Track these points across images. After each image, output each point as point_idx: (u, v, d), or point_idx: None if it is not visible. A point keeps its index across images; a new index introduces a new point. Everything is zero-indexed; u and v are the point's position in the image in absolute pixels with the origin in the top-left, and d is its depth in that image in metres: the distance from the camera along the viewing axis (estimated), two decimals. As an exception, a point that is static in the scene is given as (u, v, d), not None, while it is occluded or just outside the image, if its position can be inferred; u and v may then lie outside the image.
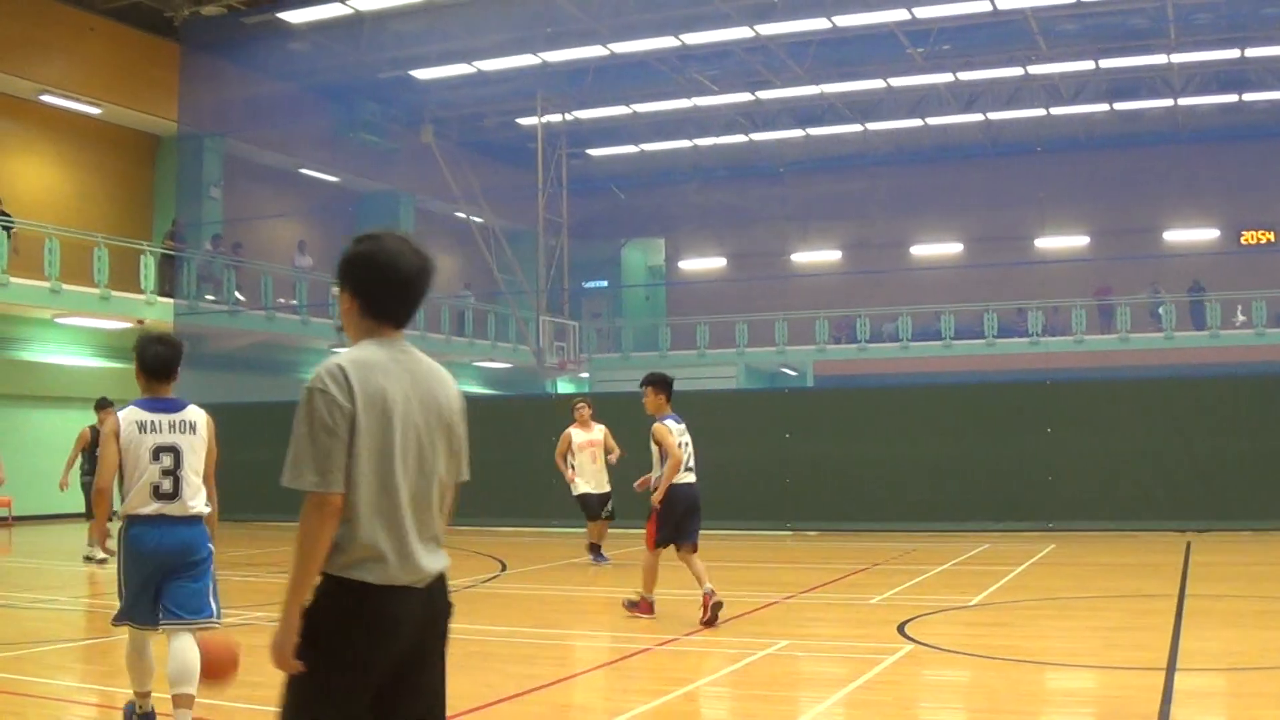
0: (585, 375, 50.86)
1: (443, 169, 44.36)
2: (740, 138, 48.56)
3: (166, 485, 8.34)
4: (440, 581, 4.69)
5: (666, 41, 37.91)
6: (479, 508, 24.96)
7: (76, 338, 36.94)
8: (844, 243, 53.64)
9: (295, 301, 42.11)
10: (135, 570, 8.32)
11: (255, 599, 16.08)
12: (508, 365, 51.41)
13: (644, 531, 14.44)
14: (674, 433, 14.30)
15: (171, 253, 37.97)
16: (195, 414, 8.75)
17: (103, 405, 20.69)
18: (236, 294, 40.24)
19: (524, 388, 47.63)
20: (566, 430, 20.60)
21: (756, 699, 9.74)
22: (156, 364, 8.70)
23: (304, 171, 46.39)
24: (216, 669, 6.91)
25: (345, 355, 4.75)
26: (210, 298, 39.24)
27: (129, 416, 8.47)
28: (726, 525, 26.42)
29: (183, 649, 8.11)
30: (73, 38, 36.93)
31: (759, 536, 25.70)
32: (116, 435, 8.39)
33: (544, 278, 45.77)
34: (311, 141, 44.50)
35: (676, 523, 14.05)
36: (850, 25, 36.05)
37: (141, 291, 35.95)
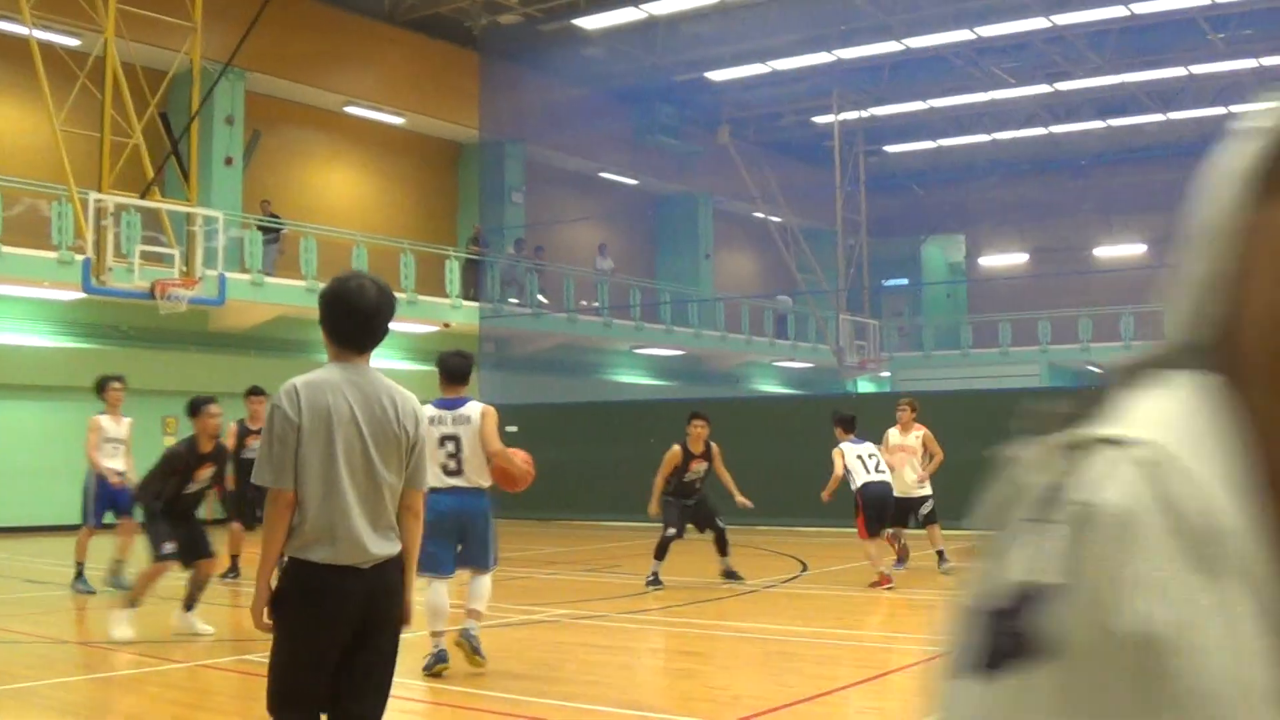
0: (886, 375, 50.47)
1: (740, 169, 44.42)
2: (1040, 130, 47.69)
3: (451, 465, 10.79)
4: (385, 564, 5.56)
5: (962, 35, 37.43)
6: (781, 508, 24.93)
7: (385, 341, 37.77)
8: (1149, 236, 52.18)
9: (597, 304, 42.59)
10: (432, 529, 9.21)
11: (560, 596, 16.30)
12: (808, 365, 51.32)
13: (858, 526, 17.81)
14: (846, 454, 17.79)
15: (475, 257, 38.69)
16: (472, 409, 10.99)
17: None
18: (539, 297, 40.82)
19: (824, 387, 47.48)
20: (886, 432, 19.72)
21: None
22: (453, 372, 11.16)
23: (603, 175, 46.92)
24: (511, 480, 11.02)
25: (304, 376, 5.69)
26: (513, 301, 39.88)
27: (424, 414, 9.59)
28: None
29: (479, 584, 10.97)
30: (375, 50, 37.93)
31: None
32: None
33: (843, 276, 45.56)
34: (610, 145, 44.95)
35: (875, 514, 17.46)
36: (1149, 12, 35.15)
37: (447, 296, 36.73)
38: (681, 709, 9.35)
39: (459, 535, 10.91)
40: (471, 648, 10.78)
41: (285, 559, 5.53)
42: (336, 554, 5.43)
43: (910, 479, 18.75)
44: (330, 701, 5.59)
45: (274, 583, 5.57)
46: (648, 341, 44.23)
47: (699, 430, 17.50)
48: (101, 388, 17.73)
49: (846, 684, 10.22)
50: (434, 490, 9.56)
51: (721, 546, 17.72)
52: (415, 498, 5.84)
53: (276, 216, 30.96)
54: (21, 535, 28.82)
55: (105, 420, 17.61)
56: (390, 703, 9.83)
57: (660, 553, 17.42)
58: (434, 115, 40.20)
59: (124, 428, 17.94)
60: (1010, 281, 54.41)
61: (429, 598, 10.50)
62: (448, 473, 10.78)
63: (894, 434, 19.31)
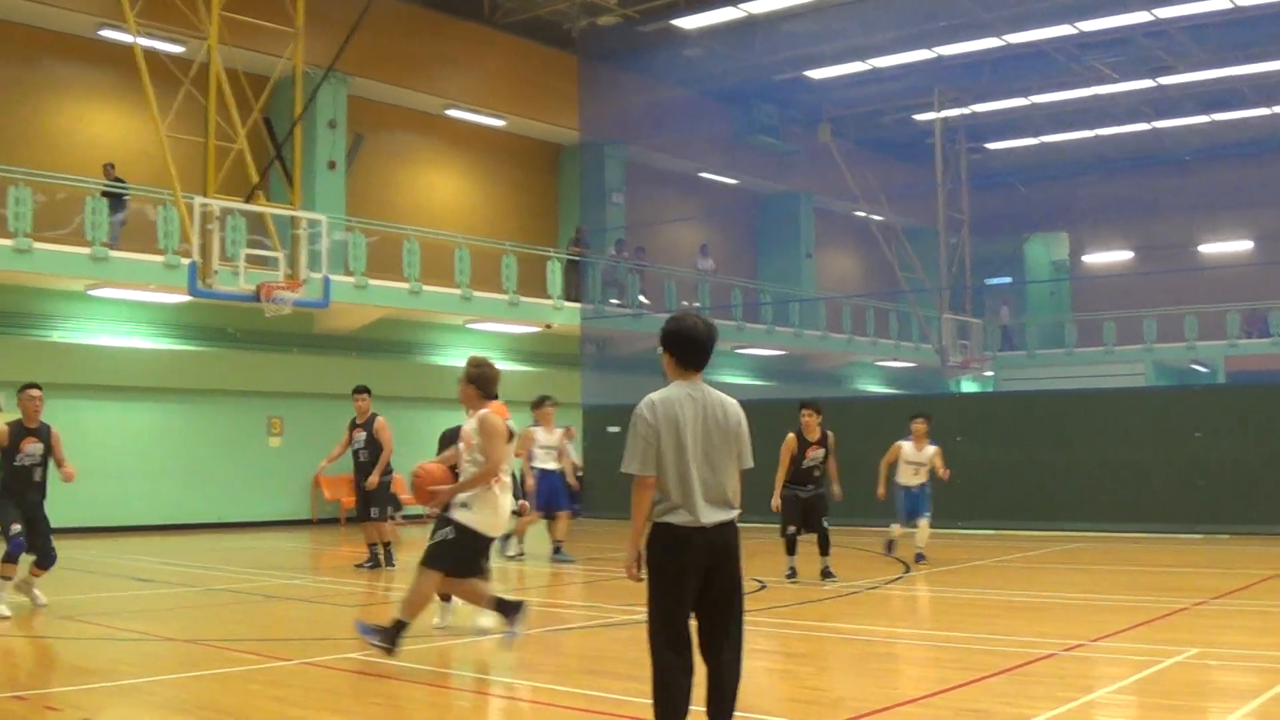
0: (989, 374, 50.17)
1: (841, 168, 44.32)
2: (1143, 126, 47.15)
3: None
4: (721, 526, 7.34)
5: (1063, 30, 37.10)
6: (886, 508, 24.81)
7: (486, 342, 38.05)
8: (1255, 232, 51.42)
9: (698, 304, 42.58)
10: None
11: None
12: (911, 365, 51.10)
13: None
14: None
15: (576, 258, 38.80)
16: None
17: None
18: (640, 297, 40.86)
19: (928, 387, 47.28)
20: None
21: (1163, 708, 9.42)
22: None
23: (703, 175, 46.96)
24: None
25: (657, 393, 7.44)
26: (615, 301, 39.96)
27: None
28: (1135, 528, 25.80)
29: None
30: (475, 54, 38.19)
31: (1168, 539, 24.95)
32: None
33: (945, 275, 45.33)
34: (710, 145, 44.98)
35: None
36: (1253, 4, 34.58)
37: (548, 297, 36.89)
38: (783, 711, 9.34)
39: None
40: None
41: (650, 525, 7.33)
42: (689, 519, 7.23)
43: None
44: (704, 652, 7.39)
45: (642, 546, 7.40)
46: (749, 342, 44.20)
47: (809, 419, 18.13)
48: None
49: (950, 685, 10.17)
50: None
51: (822, 545, 18.19)
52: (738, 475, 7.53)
53: (121, 181, 30.39)
54: (129, 534, 29.18)
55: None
56: (497, 701, 9.89)
57: (790, 548, 18.16)
58: (534, 117, 40.42)
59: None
60: (1114, 279, 53.87)
61: None
62: None
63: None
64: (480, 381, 11.71)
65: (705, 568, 7.29)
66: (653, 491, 7.30)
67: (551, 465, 21.90)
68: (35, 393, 15.62)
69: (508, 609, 11.56)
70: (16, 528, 15.00)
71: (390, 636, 11.27)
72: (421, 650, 12.22)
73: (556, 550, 21.84)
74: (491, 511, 11.47)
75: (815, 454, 18.15)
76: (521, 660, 11.98)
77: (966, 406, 31.44)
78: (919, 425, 20.29)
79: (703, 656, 7.40)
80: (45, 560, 15.49)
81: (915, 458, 20.20)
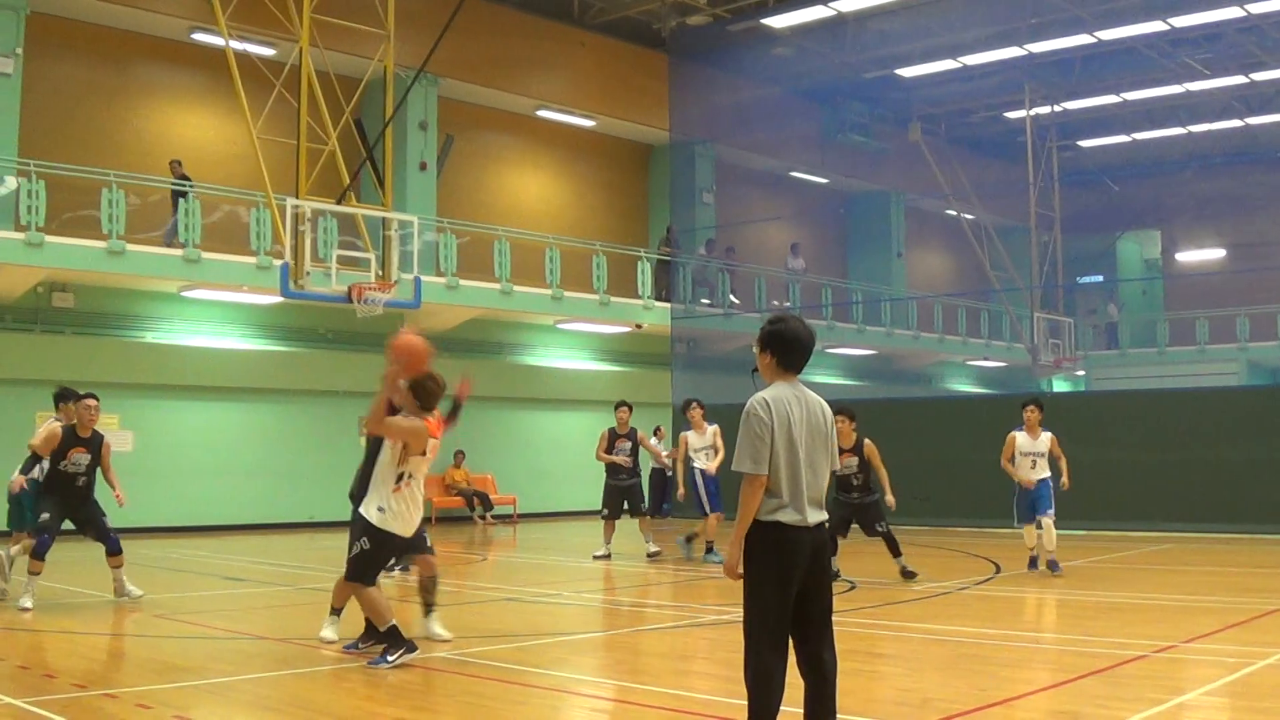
0: (1081, 373, 49.79)
1: (932, 166, 44.09)
2: (1236, 122, 46.64)
3: None
4: (820, 525, 7.36)
5: (1154, 26, 36.69)
6: (975, 509, 24.70)
7: (576, 342, 38.15)
8: (1351, 230, 50.80)
9: (789, 304, 42.48)
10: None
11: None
12: (1002, 364, 50.80)
13: None
14: None
15: (667, 258, 38.80)
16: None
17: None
18: (731, 297, 40.83)
19: (1019, 386, 46.92)
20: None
21: (1255, 711, 9.33)
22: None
23: (793, 174, 46.85)
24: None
25: (766, 392, 7.46)
26: (705, 301, 39.93)
27: None
28: (1227, 528, 25.54)
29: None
30: (566, 54, 38.34)
31: (1263, 540, 24.69)
32: None
33: (1037, 273, 45.05)
34: (800, 144, 44.86)
35: None
36: (1348, -2, 34.22)
37: (639, 297, 36.91)
38: (870, 711, 9.32)
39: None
40: None
41: (754, 524, 7.26)
42: (797, 518, 7.24)
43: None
44: (803, 652, 7.43)
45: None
46: (840, 341, 44.06)
47: (841, 426, 17.75)
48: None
49: (1039, 687, 10.13)
50: None
51: (891, 548, 18.14)
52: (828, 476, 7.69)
53: (187, 178, 30.31)
54: (221, 534, 29.46)
55: None
56: (582, 700, 9.95)
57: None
58: (624, 117, 40.50)
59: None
60: (1207, 278, 53.24)
61: None
62: None
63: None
64: (418, 391, 12.49)
65: (807, 567, 7.29)
66: (763, 490, 7.26)
67: (709, 465, 21.91)
68: (93, 403, 15.95)
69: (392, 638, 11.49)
70: (45, 516, 15.30)
71: (392, 642, 11.36)
72: (508, 650, 12.29)
73: (709, 550, 21.67)
74: (406, 512, 11.75)
75: (848, 461, 18.09)
76: (609, 660, 12.02)
77: (1058, 406, 31.18)
78: (1031, 413, 19.08)
79: (800, 656, 7.44)
80: (111, 545, 15.89)
81: (1030, 448, 19.00)
